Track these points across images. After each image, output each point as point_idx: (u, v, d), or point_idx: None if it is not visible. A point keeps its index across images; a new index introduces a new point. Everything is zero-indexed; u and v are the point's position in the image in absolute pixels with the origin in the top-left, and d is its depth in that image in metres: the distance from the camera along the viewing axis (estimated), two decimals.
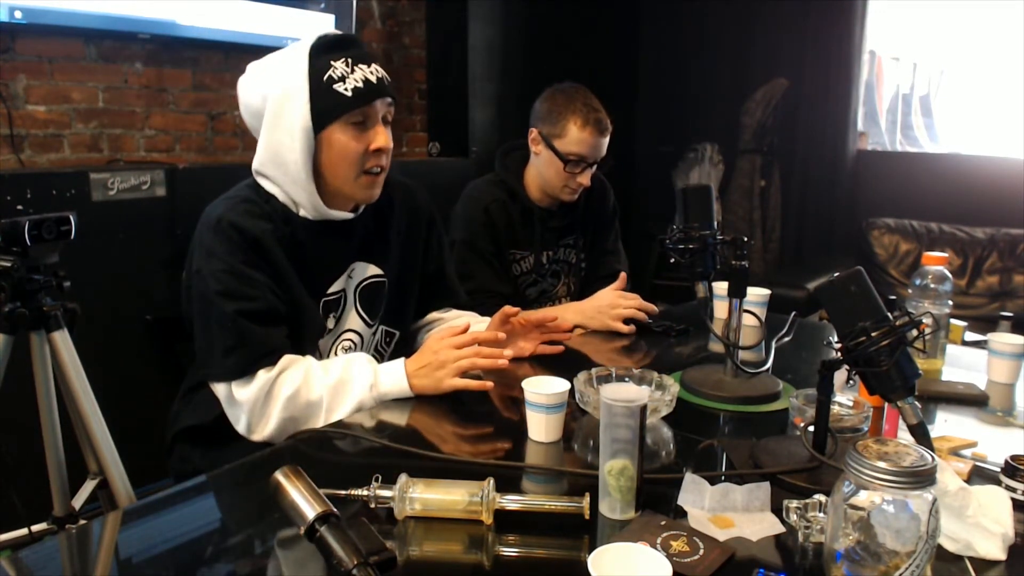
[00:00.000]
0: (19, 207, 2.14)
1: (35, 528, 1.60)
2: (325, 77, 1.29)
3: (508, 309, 1.49)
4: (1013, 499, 0.94)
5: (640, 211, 4.50)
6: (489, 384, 1.33)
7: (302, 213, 1.37)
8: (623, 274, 1.88)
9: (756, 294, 1.81)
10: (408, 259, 1.56)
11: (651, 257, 4.07)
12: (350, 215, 1.42)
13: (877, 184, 3.90)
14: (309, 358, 1.34)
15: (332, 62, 1.30)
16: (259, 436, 1.31)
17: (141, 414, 1.72)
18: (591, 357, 1.66)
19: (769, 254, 4.21)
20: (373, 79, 1.32)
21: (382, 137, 1.35)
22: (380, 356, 1.53)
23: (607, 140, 1.90)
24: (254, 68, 1.37)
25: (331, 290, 1.43)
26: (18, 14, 2.29)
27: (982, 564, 0.86)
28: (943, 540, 0.87)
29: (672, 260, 1.38)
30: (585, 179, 1.90)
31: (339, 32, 1.36)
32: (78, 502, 1.65)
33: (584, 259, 2.10)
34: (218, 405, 1.34)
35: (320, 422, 1.29)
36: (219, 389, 1.32)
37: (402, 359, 1.35)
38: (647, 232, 4.11)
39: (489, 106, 3.74)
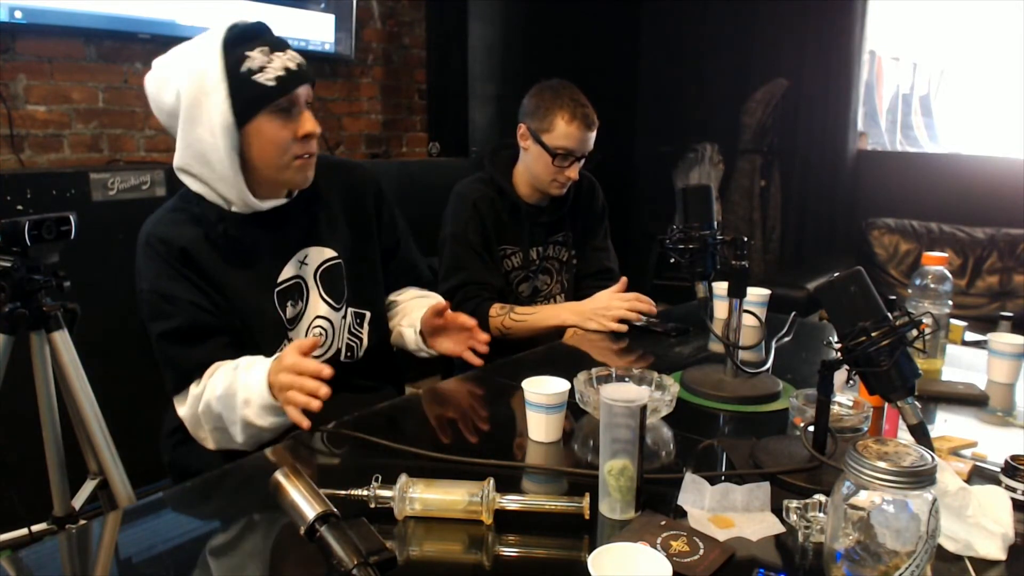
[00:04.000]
0: (19, 207, 2.14)
1: (35, 528, 1.60)
2: (243, 68, 1.26)
3: (439, 304, 1.48)
4: (1013, 499, 0.94)
5: (640, 211, 4.50)
6: (305, 423, 1.15)
7: (234, 208, 1.36)
8: (624, 278, 1.90)
9: (756, 294, 1.81)
10: (360, 236, 1.54)
11: (651, 257, 4.07)
12: (283, 201, 1.41)
13: (877, 184, 3.90)
14: (220, 365, 1.31)
15: (248, 53, 1.26)
16: (211, 447, 1.33)
17: (141, 414, 1.71)
18: (591, 357, 1.66)
19: (769, 254, 4.21)
20: (293, 66, 1.30)
21: (309, 123, 1.33)
22: (355, 339, 1.51)
23: (594, 135, 1.92)
24: (160, 64, 1.33)
25: (282, 278, 1.42)
26: (18, 14, 2.29)
27: (982, 564, 0.86)
28: (943, 540, 0.87)
29: (672, 260, 1.38)
30: (573, 173, 1.93)
31: (249, 20, 1.32)
32: (78, 502, 1.65)
33: (575, 256, 2.12)
34: None
35: (236, 438, 1.27)
36: None
37: (267, 366, 1.22)
38: (647, 232, 4.11)
39: (489, 106, 3.73)
